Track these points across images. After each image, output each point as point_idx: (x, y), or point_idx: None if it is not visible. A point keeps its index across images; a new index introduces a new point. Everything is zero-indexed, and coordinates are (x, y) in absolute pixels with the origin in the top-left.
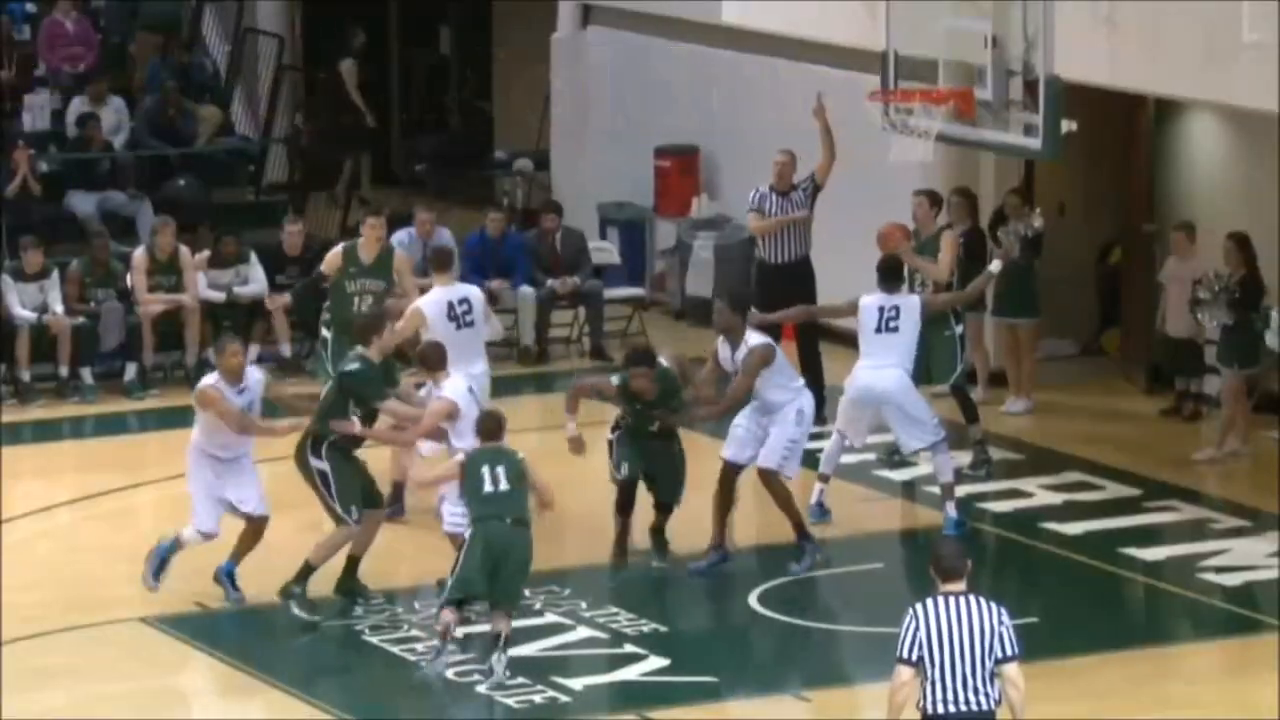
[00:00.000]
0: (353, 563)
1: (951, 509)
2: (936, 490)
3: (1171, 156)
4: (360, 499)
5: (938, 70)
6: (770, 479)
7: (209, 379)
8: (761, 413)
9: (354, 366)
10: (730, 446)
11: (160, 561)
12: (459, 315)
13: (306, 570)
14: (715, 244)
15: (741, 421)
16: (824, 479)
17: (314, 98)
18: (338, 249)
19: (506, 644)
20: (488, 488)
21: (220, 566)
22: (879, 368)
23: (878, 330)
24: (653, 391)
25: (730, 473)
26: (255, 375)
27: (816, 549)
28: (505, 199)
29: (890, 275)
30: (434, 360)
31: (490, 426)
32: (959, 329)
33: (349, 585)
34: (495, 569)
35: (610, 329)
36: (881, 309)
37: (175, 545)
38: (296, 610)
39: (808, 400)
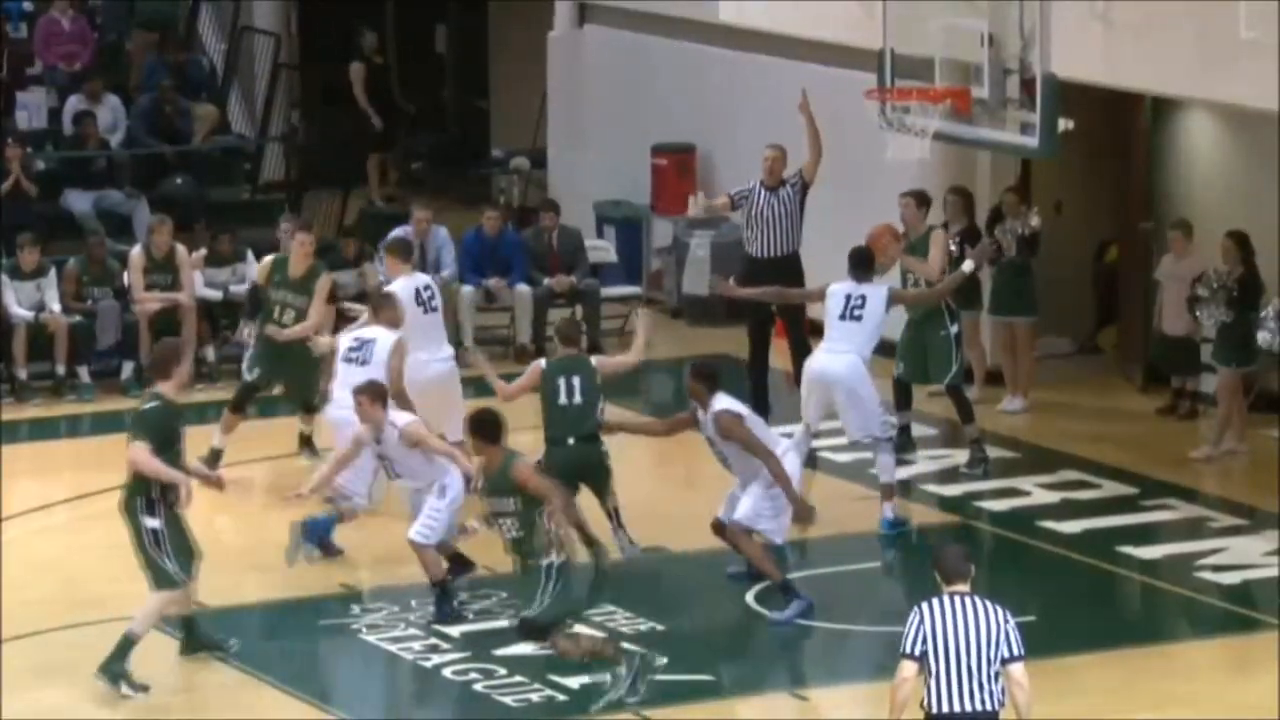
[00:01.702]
0: (190, 621)
1: (889, 510)
2: (931, 488)
3: (1168, 155)
4: (190, 556)
5: (934, 69)
6: (740, 539)
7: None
8: (745, 477)
9: (148, 406)
10: (723, 506)
11: (316, 536)
12: (425, 300)
13: (126, 645)
14: (712, 242)
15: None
16: None
17: (315, 98)
18: (269, 259)
19: (618, 516)
20: (563, 399)
21: (313, 520)
22: (836, 353)
23: (841, 317)
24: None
25: (722, 531)
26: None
27: (806, 601)
28: (502, 197)
29: (860, 264)
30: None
31: (569, 333)
32: (954, 329)
33: (196, 643)
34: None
35: (607, 327)
36: (848, 296)
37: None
38: (126, 690)
39: (790, 459)
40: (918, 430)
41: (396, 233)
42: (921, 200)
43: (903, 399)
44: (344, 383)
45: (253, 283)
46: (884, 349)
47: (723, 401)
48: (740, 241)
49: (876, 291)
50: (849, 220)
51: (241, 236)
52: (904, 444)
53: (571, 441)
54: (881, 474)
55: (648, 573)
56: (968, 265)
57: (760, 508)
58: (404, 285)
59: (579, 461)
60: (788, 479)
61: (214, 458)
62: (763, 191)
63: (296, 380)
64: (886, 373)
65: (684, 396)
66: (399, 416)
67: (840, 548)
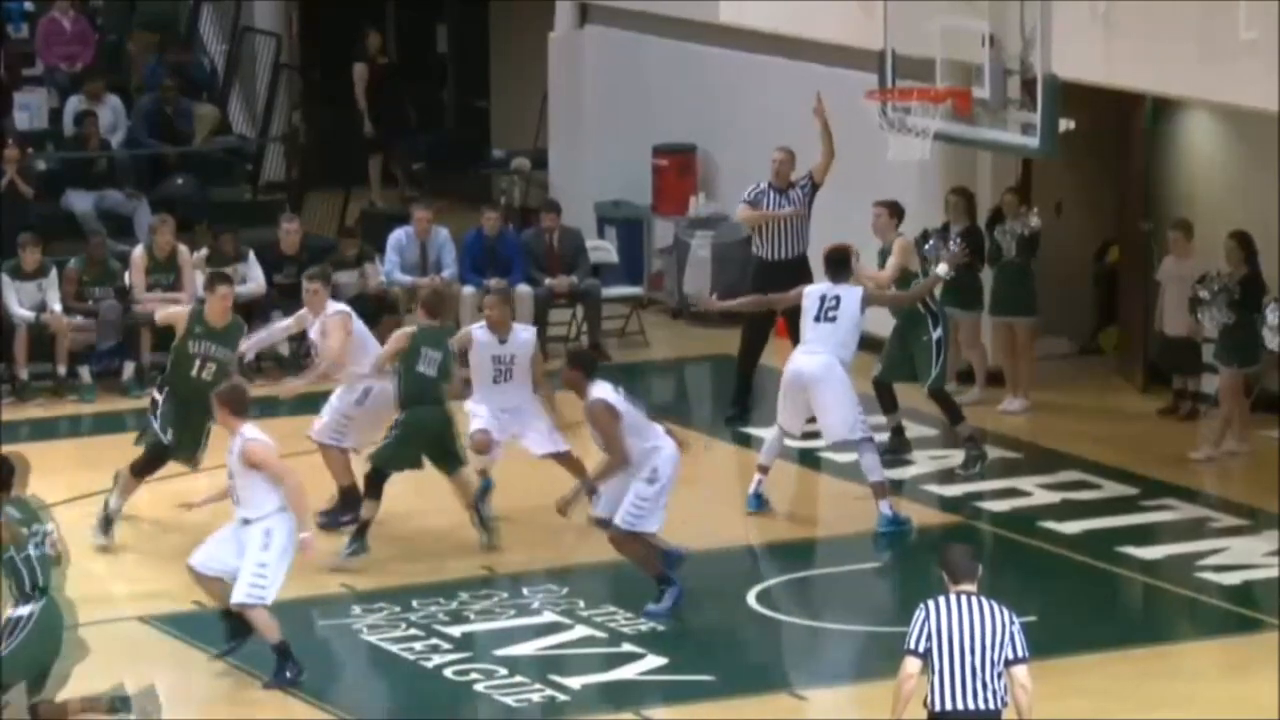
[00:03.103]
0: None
1: (885, 507)
2: (932, 488)
3: (1169, 155)
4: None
5: (935, 69)
6: (620, 540)
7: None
8: (638, 466)
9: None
10: (600, 502)
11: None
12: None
13: None
14: (713, 243)
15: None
16: (763, 470)
17: (316, 99)
18: (184, 310)
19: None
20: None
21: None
22: (812, 354)
23: (817, 318)
24: None
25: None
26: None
27: (678, 591)
28: (503, 198)
29: (836, 265)
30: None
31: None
32: (937, 333)
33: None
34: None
35: (608, 328)
36: (823, 297)
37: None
38: None
39: (664, 457)
40: (916, 430)
41: (396, 234)
42: (894, 211)
43: (888, 401)
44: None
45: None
46: (875, 348)
47: (599, 391)
48: (741, 242)
49: (851, 293)
50: (850, 221)
51: (242, 237)
52: (899, 445)
53: (431, 403)
54: (869, 474)
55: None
56: (942, 269)
57: (640, 508)
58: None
59: (430, 426)
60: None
61: (106, 524)
62: (771, 193)
63: (191, 438)
64: (869, 372)
65: (686, 396)
66: (248, 429)
67: (840, 548)
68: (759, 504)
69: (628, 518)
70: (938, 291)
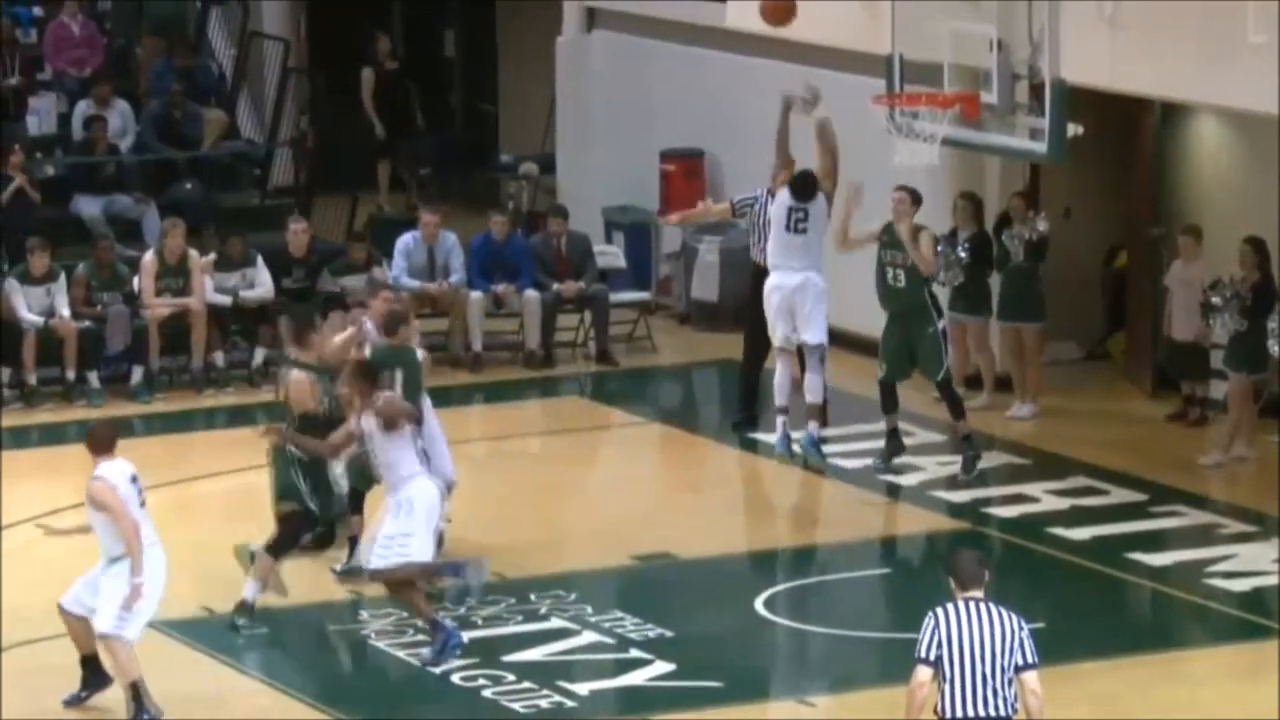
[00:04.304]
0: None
1: (813, 429)
2: (939, 494)
3: (1177, 160)
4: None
5: (943, 74)
6: (393, 585)
7: None
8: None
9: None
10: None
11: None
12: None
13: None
14: (720, 248)
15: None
16: (783, 410)
17: (324, 103)
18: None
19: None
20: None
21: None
22: (792, 270)
23: (788, 229)
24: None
25: None
26: None
27: (450, 640)
28: (510, 202)
29: (803, 187)
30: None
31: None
32: (941, 325)
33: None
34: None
35: (616, 333)
36: (790, 209)
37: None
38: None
39: (418, 488)
40: (924, 436)
41: (404, 238)
42: (916, 198)
43: (889, 401)
44: None
45: None
46: (867, 349)
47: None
48: (748, 247)
49: (817, 206)
50: (856, 224)
51: (251, 242)
52: (894, 448)
53: None
54: (809, 394)
55: (654, 579)
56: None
57: (396, 544)
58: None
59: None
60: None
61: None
62: (768, 199)
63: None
64: (870, 373)
65: (693, 402)
66: (101, 467)
67: (847, 554)
68: (787, 446)
69: (369, 556)
70: (945, 295)
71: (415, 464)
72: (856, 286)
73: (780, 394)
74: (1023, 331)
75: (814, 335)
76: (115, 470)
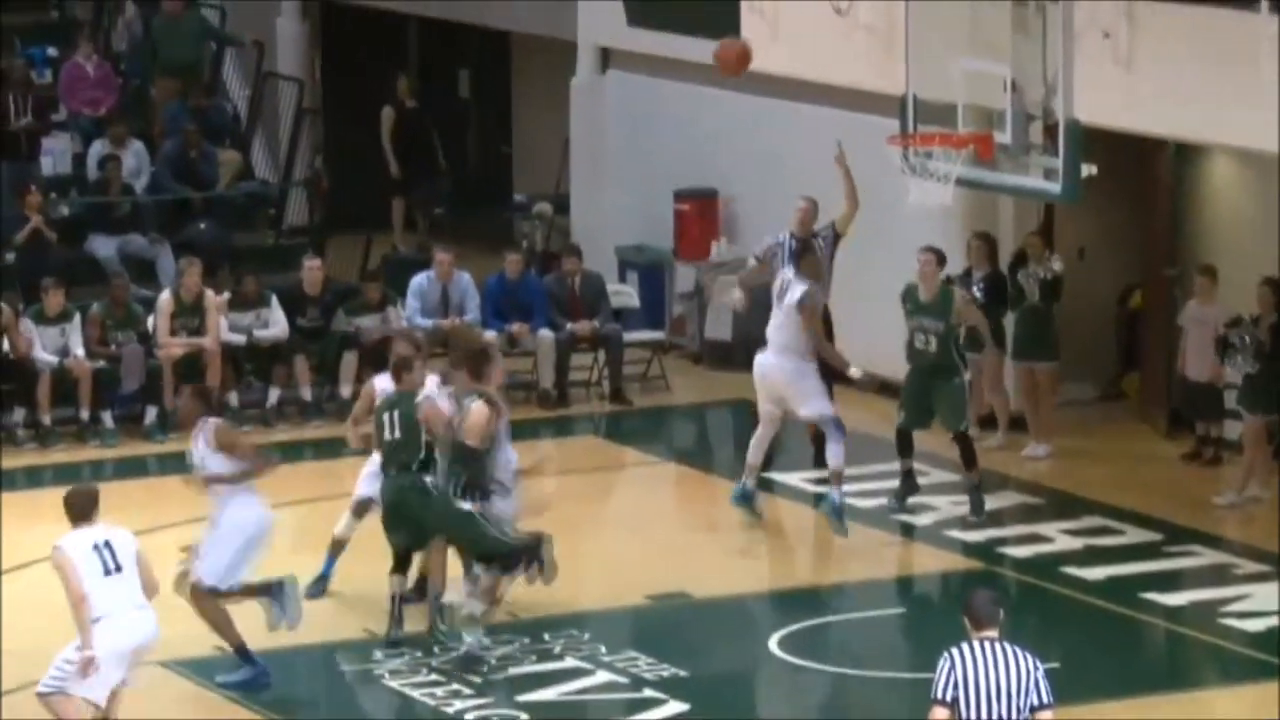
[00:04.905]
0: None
1: (835, 495)
2: (955, 534)
3: (1192, 199)
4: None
5: (957, 114)
6: (202, 601)
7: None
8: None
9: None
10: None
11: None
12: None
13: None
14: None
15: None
16: (751, 468)
17: (338, 144)
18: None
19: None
20: (387, 435)
21: None
22: (775, 349)
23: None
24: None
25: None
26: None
27: (257, 673)
28: (524, 242)
29: (797, 258)
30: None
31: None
32: (967, 376)
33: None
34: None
35: (630, 372)
36: (784, 282)
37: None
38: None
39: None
40: (939, 476)
41: (418, 278)
42: (941, 259)
43: (905, 447)
44: None
45: None
46: (888, 391)
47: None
48: (762, 288)
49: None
50: (870, 265)
51: (265, 282)
52: (909, 488)
53: (392, 473)
54: (830, 460)
55: (670, 619)
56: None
57: (228, 561)
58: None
59: (394, 494)
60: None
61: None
62: (793, 243)
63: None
64: (884, 414)
65: (707, 441)
66: (68, 537)
67: (862, 594)
68: (743, 499)
69: (219, 573)
70: (961, 335)
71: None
72: (871, 329)
73: (753, 451)
74: (1037, 371)
75: (812, 409)
76: (76, 540)
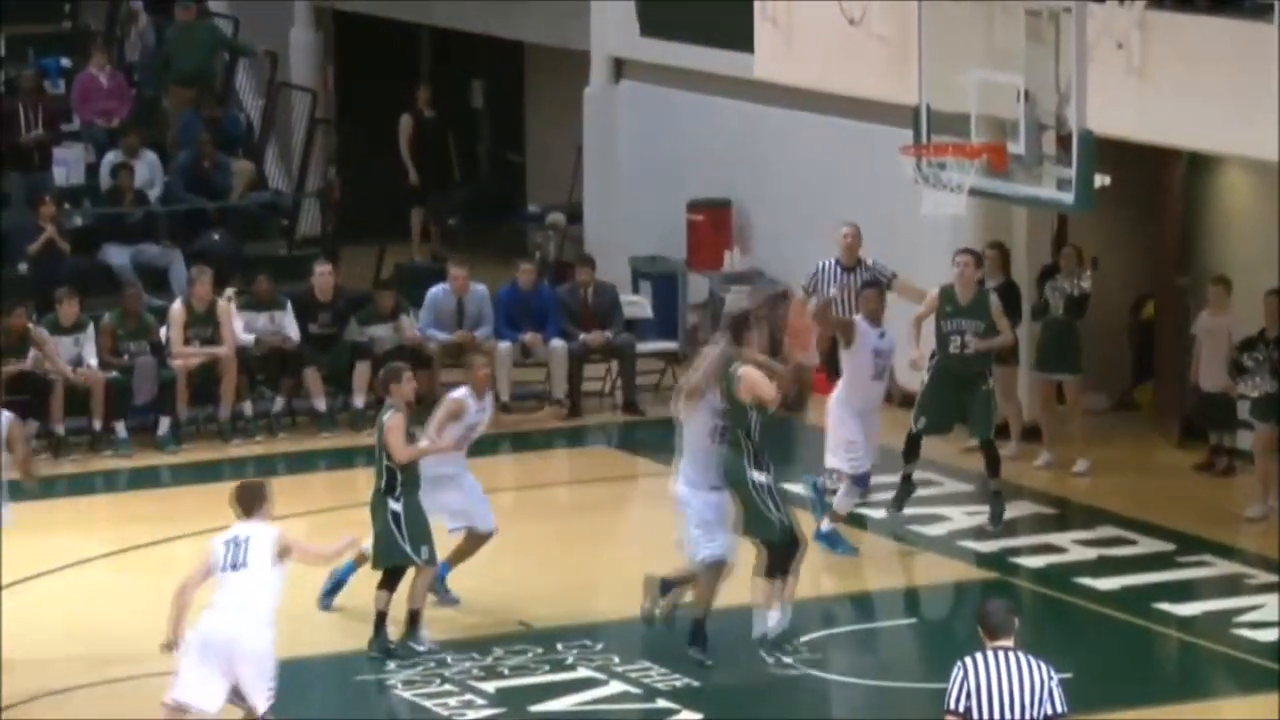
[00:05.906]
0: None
1: (825, 524)
2: (968, 544)
3: (1204, 209)
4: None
5: (970, 124)
6: None
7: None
8: None
9: None
10: None
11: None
12: None
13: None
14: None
15: None
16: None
17: (351, 154)
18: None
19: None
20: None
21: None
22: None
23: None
24: None
25: None
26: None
27: None
28: (537, 252)
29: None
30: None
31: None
32: (991, 384)
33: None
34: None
35: (643, 383)
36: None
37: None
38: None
39: None
40: (952, 486)
41: (434, 290)
42: (979, 261)
43: (912, 451)
44: None
45: None
46: (903, 401)
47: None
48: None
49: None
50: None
51: (278, 291)
52: (907, 491)
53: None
54: (837, 505)
55: (682, 629)
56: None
57: None
58: None
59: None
60: None
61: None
62: (839, 271)
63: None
64: (898, 424)
65: None
66: (238, 527)
67: (877, 603)
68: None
69: None
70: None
71: None
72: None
73: (839, 501)
74: (1062, 383)
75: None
76: (228, 533)
